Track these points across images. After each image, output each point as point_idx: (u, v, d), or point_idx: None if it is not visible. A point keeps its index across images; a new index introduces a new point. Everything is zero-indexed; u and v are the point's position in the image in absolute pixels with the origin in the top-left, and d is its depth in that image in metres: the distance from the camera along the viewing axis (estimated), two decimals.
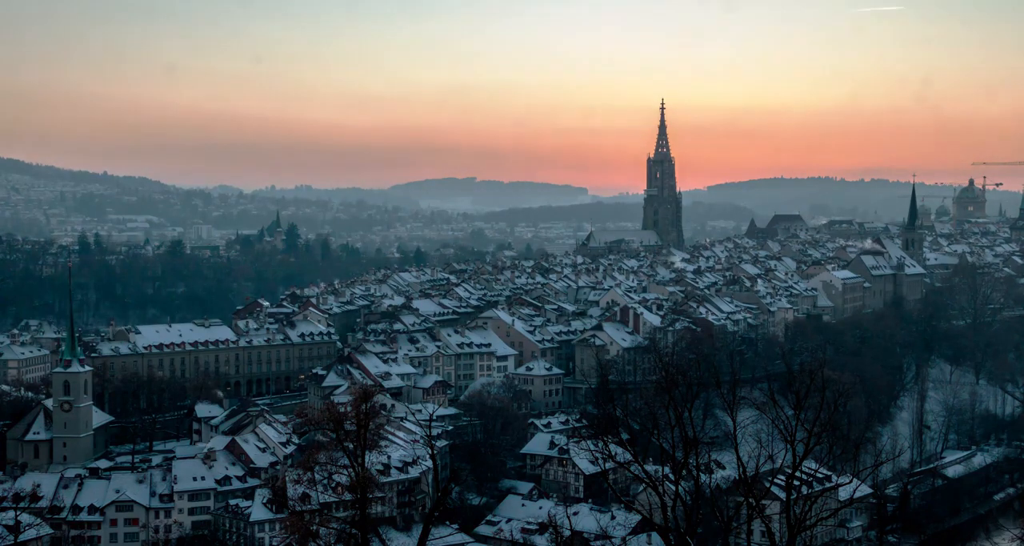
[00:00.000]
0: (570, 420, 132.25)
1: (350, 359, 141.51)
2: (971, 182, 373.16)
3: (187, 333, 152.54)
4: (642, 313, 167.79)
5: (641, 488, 72.75)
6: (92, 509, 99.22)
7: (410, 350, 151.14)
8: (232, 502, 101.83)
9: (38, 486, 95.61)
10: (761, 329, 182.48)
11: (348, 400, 78.20)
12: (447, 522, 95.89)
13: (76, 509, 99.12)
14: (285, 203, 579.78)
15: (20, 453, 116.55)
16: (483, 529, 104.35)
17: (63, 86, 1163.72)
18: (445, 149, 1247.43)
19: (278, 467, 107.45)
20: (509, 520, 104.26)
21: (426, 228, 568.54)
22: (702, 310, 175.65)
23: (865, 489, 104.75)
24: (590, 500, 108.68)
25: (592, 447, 50.42)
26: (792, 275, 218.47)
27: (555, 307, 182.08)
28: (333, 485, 74.01)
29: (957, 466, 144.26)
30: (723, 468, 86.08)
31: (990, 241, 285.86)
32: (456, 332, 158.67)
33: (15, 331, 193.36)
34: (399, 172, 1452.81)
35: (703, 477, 40.97)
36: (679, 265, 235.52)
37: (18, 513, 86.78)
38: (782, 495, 46.51)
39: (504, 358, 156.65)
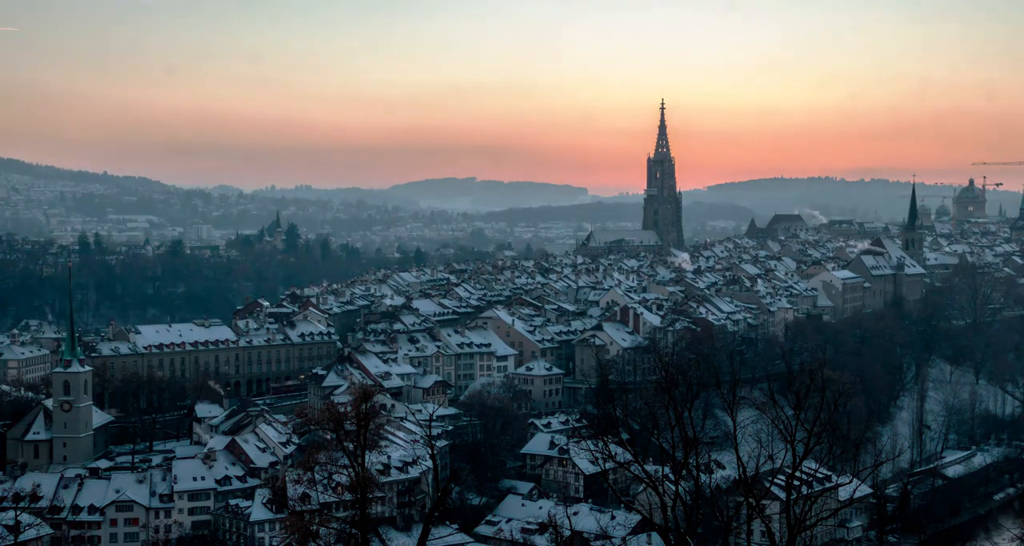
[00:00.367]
0: (570, 420, 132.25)
1: (350, 359, 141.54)
2: (971, 182, 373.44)
3: (187, 333, 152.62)
4: (642, 313, 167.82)
5: (641, 488, 72.71)
6: (92, 509, 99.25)
7: (410, 350, 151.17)
8: (232, 502, 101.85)
9: (38, 486, 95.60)
10: (761, 329, 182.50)
11: (348, 400, 78.25)
12: (447, 522, 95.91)
13: (76, 509, 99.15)
14: (285, 203, 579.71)
15: (20, 453, 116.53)
16: (483, 529, 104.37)
17: (63, 86, 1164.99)
18: (445, 149, 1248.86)
19: (278, 467, 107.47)
20: (509, 520, 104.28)
21: (426, 228, 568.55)
22: (702, 310, 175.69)
23: (865, 489, 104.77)
24: (590, 500, 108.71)
25: (592, 447, 50.38)
26: (792, 275, 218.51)
27: (555, 307, 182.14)
28: (333, 485, 74.00)
29: (957, 466, 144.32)
30: (723, 468, 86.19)
31: (990, 241, 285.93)
32: (456, 332, 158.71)
33: (15, 331, 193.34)
34: (399, 172, 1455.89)
35: (703, 477, 40.97)
36: (681, 261, 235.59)
37: (18, 513, 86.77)
38: (782, 495, 46.52)
39: (504, 358, 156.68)
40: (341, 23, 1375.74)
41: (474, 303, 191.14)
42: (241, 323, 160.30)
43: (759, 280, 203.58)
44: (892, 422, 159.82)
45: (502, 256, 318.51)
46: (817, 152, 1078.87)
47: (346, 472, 53.77)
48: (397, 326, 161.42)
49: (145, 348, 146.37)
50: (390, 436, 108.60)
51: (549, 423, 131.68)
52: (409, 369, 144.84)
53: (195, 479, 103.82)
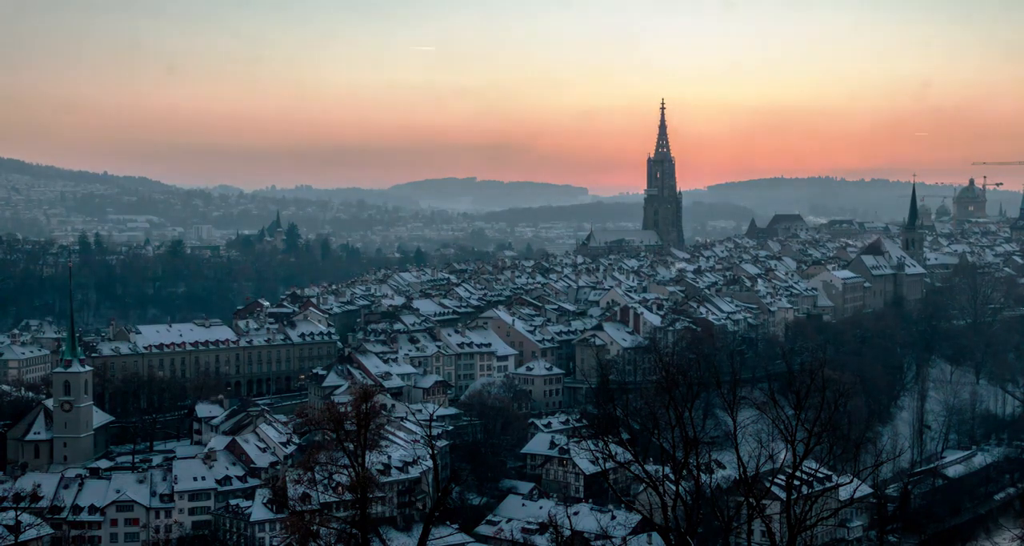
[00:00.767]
0: (570, 420, 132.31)
1: (350, 359, 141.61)
2: (971, 182, 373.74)
3: (187, 333, 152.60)
4: (642, 313, 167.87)
5: (641, 488, 72.75)
6: (92, 509, 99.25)
7: (410, 350, 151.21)
8: (232, 502, 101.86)
9: (38, 486, 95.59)
10: (761, 329, 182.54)
11: (348, 400, 78.24)
12: (447, 522, 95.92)
13: (76, 509, 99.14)
14: (285, 203, 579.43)
15: (20, 453, 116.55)
16: (483, 529, 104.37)
17: (63, 86, 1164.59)
18: (445, 149, 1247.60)
19: (278, 467, 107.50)
20: (509, 520, 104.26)
21: (426, 228, 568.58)
22: (702, 310, 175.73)
23: (865, 489, 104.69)
24: (590, 500, 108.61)
25: (592, 447, 50.44)
26: (792, 275, 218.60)
27: (555, 307, 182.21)
28: (333, 485, 74.03)
29: (957, 466, 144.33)
30: (723, 468, 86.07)
31: (990, 241, 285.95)
32: (456, 332, 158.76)
33: (15, 331, 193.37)
34: (399, 172, 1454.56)
35: (703, 477, 40.99)
36: (681, 260, 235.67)
37: (18, 513, 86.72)
38: (782, 495, 46.52)
39: (504, 358, 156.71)
40: (341, 23, 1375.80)
41: (474, 303, 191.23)
42: (241, 323, 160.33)
43: (759, 280, 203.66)
44: (892, 422, 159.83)
45: (502, 256, 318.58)
46: (817, 152, 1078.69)
47: (346, 472, 53.80)
48: (397, 326, 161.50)
49: (145, 348, 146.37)
50: (390, 436, 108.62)
51: (549, 423, 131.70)
52: (409, 369, 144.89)
53: (195, 479, 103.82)
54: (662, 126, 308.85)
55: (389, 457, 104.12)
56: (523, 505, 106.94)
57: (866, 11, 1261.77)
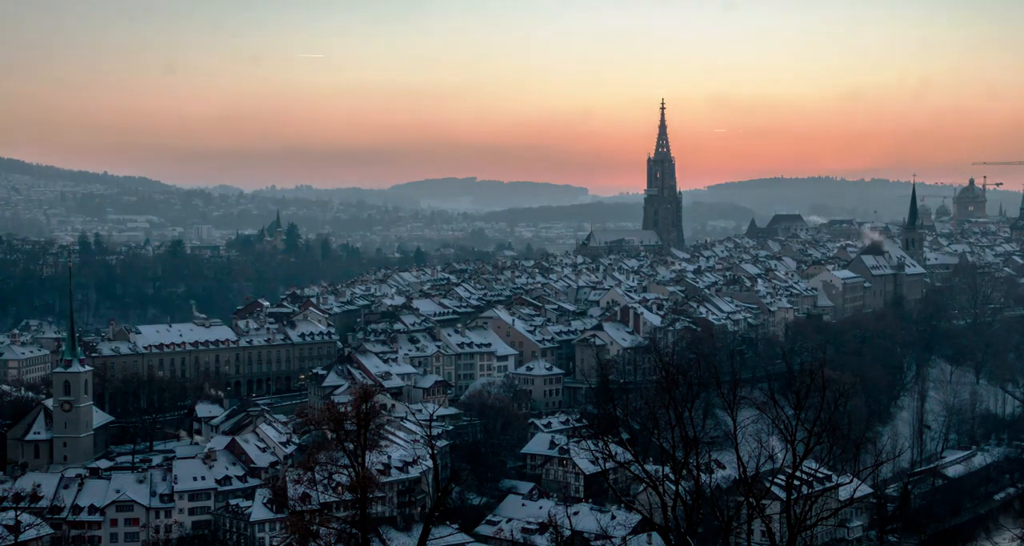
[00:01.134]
0: (570, 420, 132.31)
1: (350, 359, 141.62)
2: (971, 182, 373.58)
3: (187, 333, 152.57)
4: (642, 313, 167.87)
5: (641, 488, 72.64)
6: (92, 509, 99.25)
7: (410, 350, 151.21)
8: (232, 502, 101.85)
9: (38, 486, 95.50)
10: (761, 329, 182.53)
11: (348, 400, 78.21)
12: (447, 522, 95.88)
13: (76, 509, 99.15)
14: (285, 203, 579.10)
15: (20, 453, 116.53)
16: (483, 529, 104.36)
17: (63, 86, 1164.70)
18: (445, 149, 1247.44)
19: (278, 467, 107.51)
20: (509, 520, 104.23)
21: (426, 228, 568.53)
22: (702, 310, 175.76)
23: (865, 489, 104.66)
24: (590, 500, 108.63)
25: (592, 447, 50.40)
26: (792, 275, 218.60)
27: (555, 307, 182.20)
28: (333, 485, 73.98)
29: (957, 466, 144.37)
30: (723, 468, 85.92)
31: (990, 241, 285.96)
32: (456, 332, 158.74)
33: (15, 331, 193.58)
34: (399, 172, 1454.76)
35: (703, 477, 40.95)
36: (681, 260, 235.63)
37: (18, 513, 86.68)
38: (782, 495, 46.52)
39: (504, 358, 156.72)
40: (341, 23, 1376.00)
41: (474, 303, 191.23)
42: (241, 323, 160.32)
43: (759, 280, 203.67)
44: (892, 422, 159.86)
45: (502, 256, 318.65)
46: (817, 152, 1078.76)
47: (346, 472, 53.77)
48: (397, 326, 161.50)
49: (145, 348, 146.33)
50: (390, 436, 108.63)
51: (549, 423, 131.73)
52: (409, 369, 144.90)
53: (195, 479, 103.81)
54: (662, 126, 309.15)
55: (389, 457, 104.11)
56: (523, 505, 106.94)
57: (866, 11, 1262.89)
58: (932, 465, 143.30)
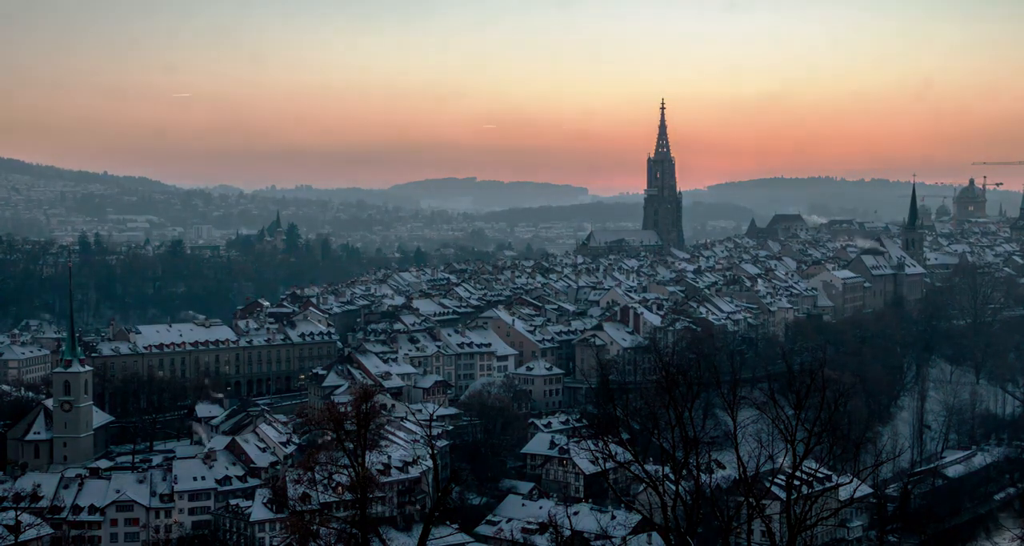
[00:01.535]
0: (570, 420, 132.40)
1: (350, 359, 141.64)
2: (971, 182, 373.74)
3: (187, 333, 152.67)
4: (642, 313, 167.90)
5: (641, 488, 72.67)
6: (92, 509, 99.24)
7: (410, 350, 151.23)
8: (232, 502, 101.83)
9: (38, 486, 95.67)
10: (761, 329, 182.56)
11: (348, 400, 78.29)
12: (447, 522, 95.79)
13: (76, 509, 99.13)
14: (285, 203, 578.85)
15: (20, 453, 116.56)
16: (483, 529, 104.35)
17: (63, 86, 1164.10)
18: (445, 149, 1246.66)
19: (278, 467, 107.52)
20: (509, 520, 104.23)
21: (426, 228, 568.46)
22: (702, 310, 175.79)
23: (865, 489, 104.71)
24: (590, 500, 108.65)
25: (592, 447, 50.43)
26: (792, 275, 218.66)
27: (555, 307, 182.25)
28: (333, 485, 74.04)
29: (957, 466, 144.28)
30: (723, 468, 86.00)
31: (990, 241, 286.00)
32: (456, 332, 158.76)
33: (15, 331, 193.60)
34: (399, 172, 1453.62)
35: (703, 477, 40.95)
36: (681, 260, 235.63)
37: (18, 513, 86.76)
38: (782, 495, 46.53)
39: (504, 358, 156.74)
40: (341, 23, 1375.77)
41: (474, 303, 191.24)
42: (241, 323, 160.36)
43: (759, 280, 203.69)
44: (892, 422, 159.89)
45: (502, 256, 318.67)
46: (817, 152, 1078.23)
47: (346, 472, 53.79)
48: (397, 326, 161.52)
49: (145, 348, 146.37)
50: (390, 436, 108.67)
51: (549, 423, 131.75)
52: (409, 369, 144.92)
53: (195, 479, 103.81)
54: (662, 126, 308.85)
55: (389, 457, 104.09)
56: (523, 505, 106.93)
57: (866, 11, 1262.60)
58: (932, 465, 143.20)
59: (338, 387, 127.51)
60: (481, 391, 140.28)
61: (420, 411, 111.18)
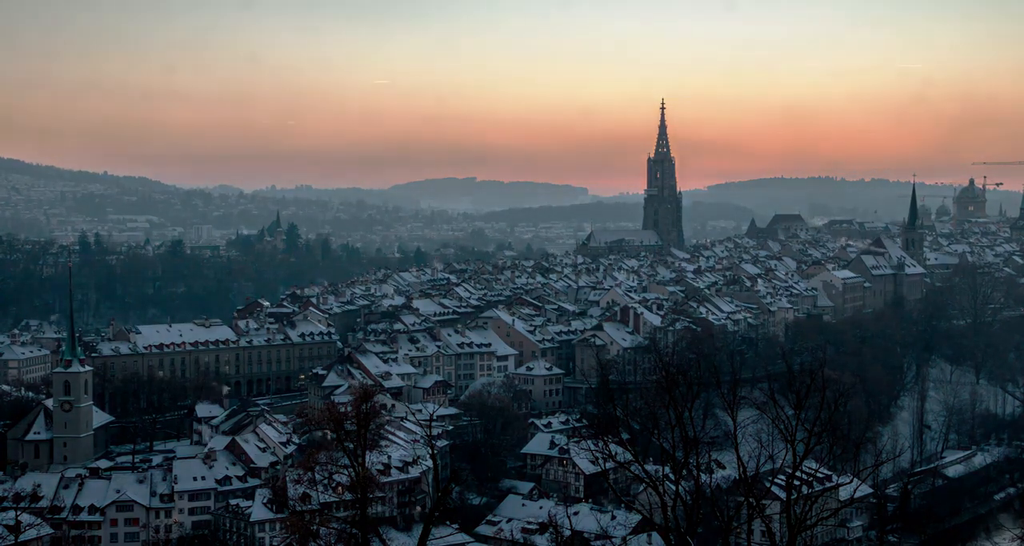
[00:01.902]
0: (570, 420, 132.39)
1: (350, 359, 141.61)
2: (971, 182, 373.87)
3: (187, 333, 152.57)
4: (642, 313, 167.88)
5: (641, 488, 72.72)
6: (92, 509, 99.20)
7: (410, 350, 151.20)
8: (232, 502, 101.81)
9: (38, 486, 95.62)
10: (761, 329, 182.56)
11: (348, 400, 78.31)
12: (447, 522, 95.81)
13: (76, 509, 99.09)
14: (285, 203, 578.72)
15: (20, 453, 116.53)
16: (483, 529, 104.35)
17: (64, 86, 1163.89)
18: (445, 149, 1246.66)
19: (278, 467, 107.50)
20: (509, 520, 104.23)
21: (426, 228, 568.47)
22: (702, 310, 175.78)
23: (865, 489, 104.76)
24: (590, 500, 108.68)
25: (592, 447, 50.44)
26: (792, 275, 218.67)
27: (555, 307, 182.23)
28: (333, 485, 74.06)
29: (957, 466, 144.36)
30: (723, 468, 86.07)
31: (990, 241, 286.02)
32: (456, 332, 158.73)
33: (15, 331, 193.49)
34: (399, 172, 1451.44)
35: (703, 477, 40.97)
36: (681, 260, 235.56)
37: (18, 513, 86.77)
38: (782, 495, 46.52)
39: (504, 358, 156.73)
40: (341, 23, 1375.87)
41: (474, 303, 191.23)
42: (241, 323, 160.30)
43: (759, 280, 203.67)
44: (892, 422, 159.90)
45: (502, 256, 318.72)
46: (817, 152, 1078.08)
47: (346, 472, 53.81)
48: (397, 326, 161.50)
49: (145, 348, 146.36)
50: (390, 436, 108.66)
51: (549, 423, 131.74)
52: (409, 369, 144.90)
53: (195, 479, 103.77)
54: (662, 126, 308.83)
55: (389, 457, 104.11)
56: (523, 505, 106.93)
57: (866, 10, 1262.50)
58: (932, 465, 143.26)
59: (338, 387, 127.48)
60: (481, 391, 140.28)
61: (420, 411, 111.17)
